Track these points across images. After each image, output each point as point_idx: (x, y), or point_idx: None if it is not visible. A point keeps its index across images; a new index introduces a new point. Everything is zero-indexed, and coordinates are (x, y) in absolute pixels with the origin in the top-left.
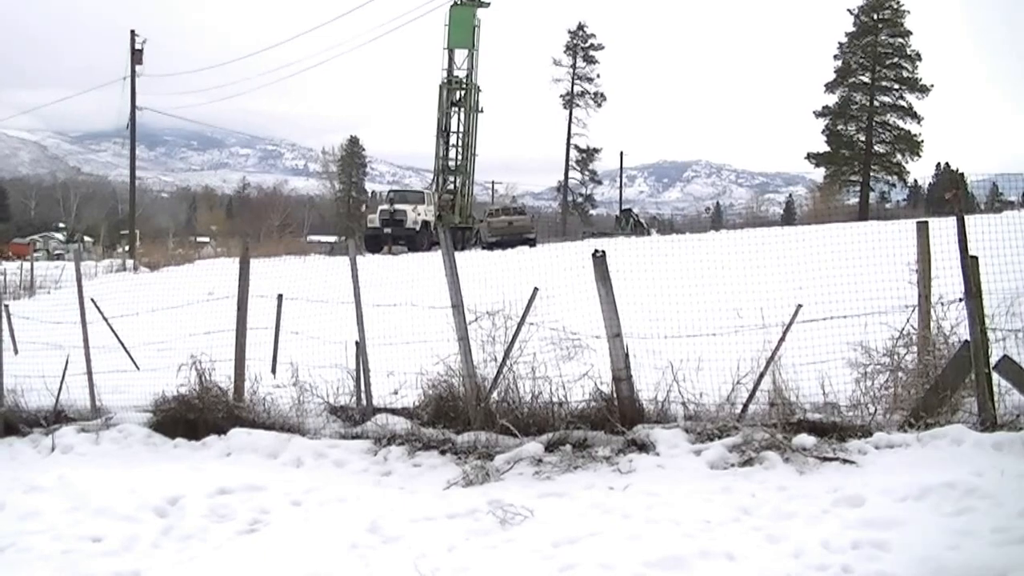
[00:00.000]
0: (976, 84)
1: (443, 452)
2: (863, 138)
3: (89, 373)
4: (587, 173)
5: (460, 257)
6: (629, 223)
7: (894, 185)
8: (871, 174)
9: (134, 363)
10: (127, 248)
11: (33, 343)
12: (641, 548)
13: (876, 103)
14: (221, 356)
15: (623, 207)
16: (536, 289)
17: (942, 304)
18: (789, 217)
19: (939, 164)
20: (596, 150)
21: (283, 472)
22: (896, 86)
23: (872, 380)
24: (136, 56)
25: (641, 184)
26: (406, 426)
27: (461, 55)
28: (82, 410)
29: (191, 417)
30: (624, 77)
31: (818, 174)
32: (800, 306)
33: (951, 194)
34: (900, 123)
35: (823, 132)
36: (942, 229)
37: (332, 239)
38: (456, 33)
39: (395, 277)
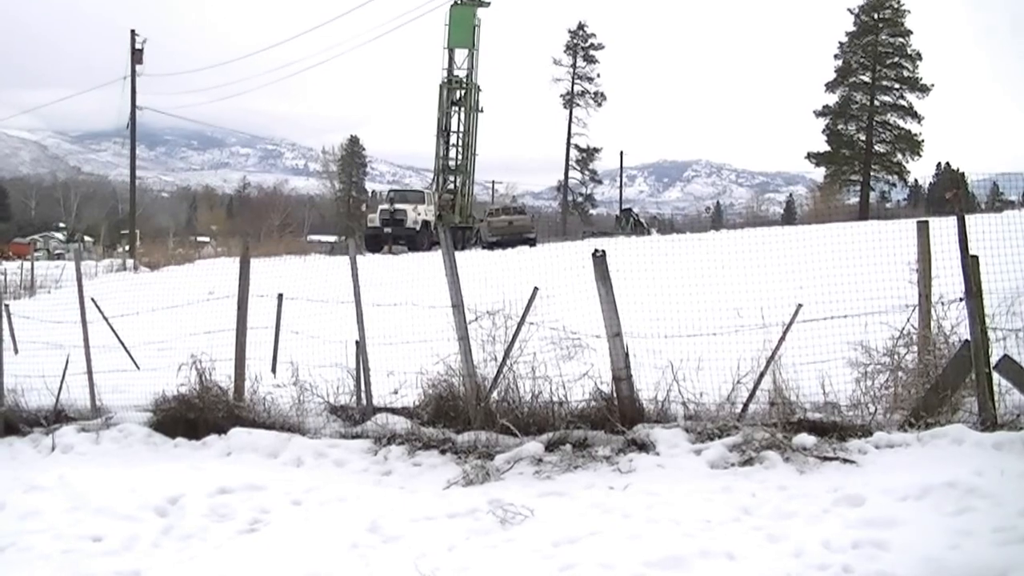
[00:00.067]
0: (977, 84)
1: (443, 452)
2: (863, 138)
3: (89, 373)
4: (587, 173)
5: (460, 257)
6: (629, 223)
7: (894, 185)
8: (871, 174)
9: (134, 363)
10: (127, 248)
11: (33, 343)
12: (641, 548)
13: (876, 102)
14: (221, 356)
15: (623, 207)
16: (536, 289)
17: (942, 304)
18: (789, 217)
19: (940, 164)
20: (596, 150)
21: (283, 472)
22: (896, 85)
23: (872, 380)
24: (136, 56)
25: (641, 184)
26: (406, 425)
27: (461, 55)
28: (82, 410)
29: (191, 416)
30: (624, 77)
31: (818, 174)
32: (800, 306)
33: (952, 194)
34: (900, 123)
35: (823, 132)
36: (942, 229)
37: (332, 239)
38: (456, 33)
39: (395, 277)
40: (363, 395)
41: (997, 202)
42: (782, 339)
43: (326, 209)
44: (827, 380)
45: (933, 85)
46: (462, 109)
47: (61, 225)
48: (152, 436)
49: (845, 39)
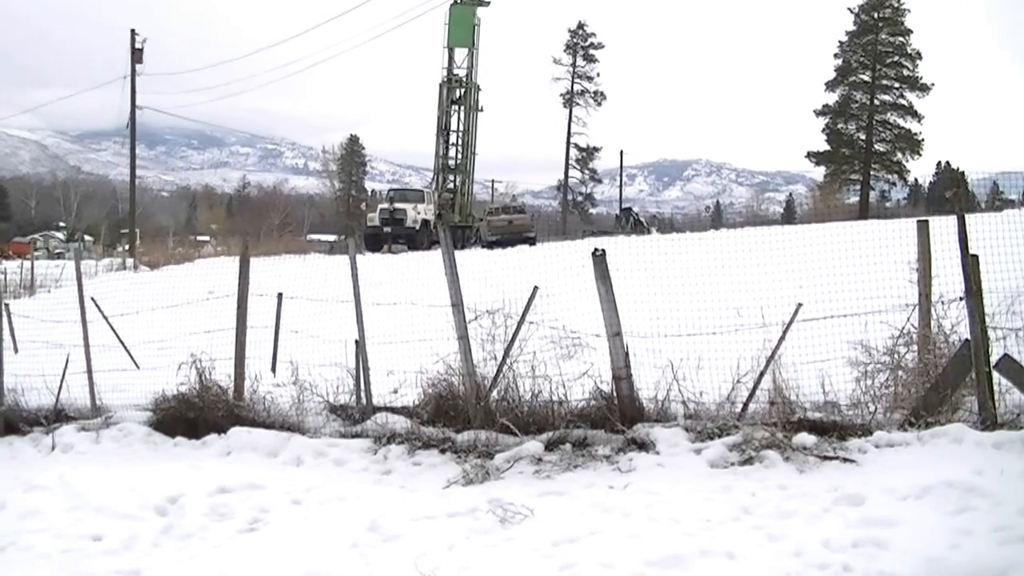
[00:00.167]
0: (977, 83)
1: (443, 451)
2: (863, 137)
3: (89, 372)
4: (587, 172)
5: (460, 256)
6: (629, 222)
7: (894, 184)
8: (871, 173)
9: (134, 362)
10: (127, 247)
11: (33, 342)
12: (641, 547)
13: (876, 102)
14: (221, 355)
15: (623, 206)
16: (536, 288)
17: (943, 303)
18: (789, 216)
19: (940, 163)
20: (596, 149)
21: (283, 471)
22: (896, 85)
23: (872, 379)
24: (136, 55)
25: (641, 183)
26: (406, 425)
27: (461, 54)
28: (82, 409)
29: (191, 416)
30: (624, 76)
31: (818, 173)
32: (800, 305)
33: (952, 193)
34: (900, 122)
35: (823, 131)
36: (943, 228)
37: (332, 238)
38: (456, 32)
39: (395, 276)
40: (363, 394)
41: (997, 201)
42: (782, 338)
43: (326, 208)
44: (827, 379)
45: (933, 84)
46: (462, 108)
47: (61, 224)
48: (152, 435)
49: (845, 38)
